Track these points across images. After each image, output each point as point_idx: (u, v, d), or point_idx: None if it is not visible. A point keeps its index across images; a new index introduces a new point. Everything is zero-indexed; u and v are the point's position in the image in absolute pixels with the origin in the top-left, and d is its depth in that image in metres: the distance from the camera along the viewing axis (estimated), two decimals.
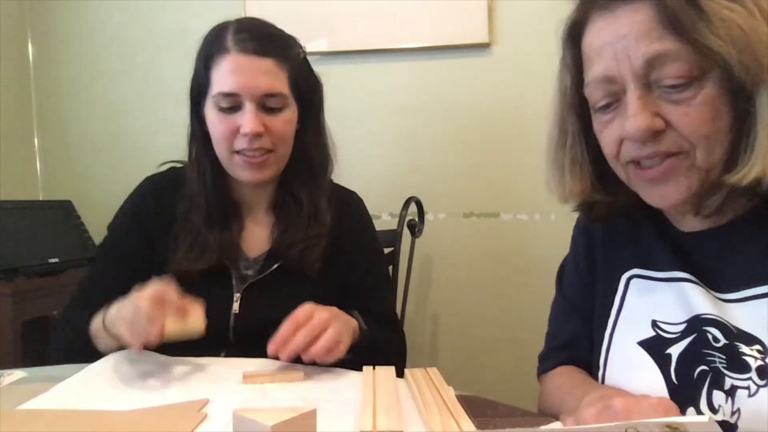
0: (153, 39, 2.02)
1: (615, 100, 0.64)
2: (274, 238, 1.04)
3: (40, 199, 2.17)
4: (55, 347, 1.00)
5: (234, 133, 0.96)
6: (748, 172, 0.59)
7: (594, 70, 0.65)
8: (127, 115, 2.07)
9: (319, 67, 1.09)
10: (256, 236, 1.06)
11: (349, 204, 1.12)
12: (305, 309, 0.81)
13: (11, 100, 2.09)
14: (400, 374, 0.82)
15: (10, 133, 2.07)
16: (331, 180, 1.13)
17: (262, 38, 0.98)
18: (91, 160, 2.12)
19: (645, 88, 0.61)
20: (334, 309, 0.85)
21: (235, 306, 0.99)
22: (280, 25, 1.06)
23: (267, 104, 0.97)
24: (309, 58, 1.09)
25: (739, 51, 0.57)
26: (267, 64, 0.97)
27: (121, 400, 0.74)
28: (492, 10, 1.75)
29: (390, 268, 1.42)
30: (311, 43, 1.85)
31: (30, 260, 1.71)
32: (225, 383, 0.79)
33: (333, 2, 1.85)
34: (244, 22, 1.01)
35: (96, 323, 0.88)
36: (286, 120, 1.00)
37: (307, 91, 1.04)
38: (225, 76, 0.96)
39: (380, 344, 0.94)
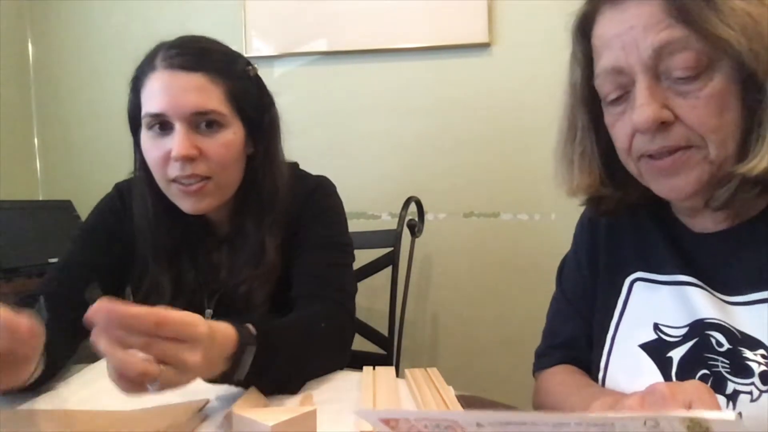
0: (153, 39, 2.01)
1: (625, 93, 0.64)
2: (220, 279, 0.97)
3: (40, 199, 2.17)
4: None
5: (166, 157, 0.88)
6: (758, 163, 0.58)
7: (603, 62, 0.65)
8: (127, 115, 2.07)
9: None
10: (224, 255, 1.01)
11: (312, 194, 1.03)
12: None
13: (11, 100, 2.09)
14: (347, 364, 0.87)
15: (10, 133, 2.07)
16: (294, 171, 1.04)
17: (193, 53, 0.89)
18: (91, 160, 2.12)
19: (654, 79, 0.61)
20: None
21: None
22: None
23: (200, 124, 0.88)
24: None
25: (749, 39, 0.57)
26: (196, 79, 0.87)
27: (121, 400, 0.74)
28: (492, 10, 1.75)
29: (389, 268, 1.42)
30: (311, 43, 1.86)
31: (30, 260, 1.71)
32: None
33: (333, 2, 1.84)
34: (180, 39, 0.93)
35: None
36: (224, 143, 0.90)
37: (253, 111, 0.94)
38: (151, 96, 0.88)
39: (297, 332, 0.82)
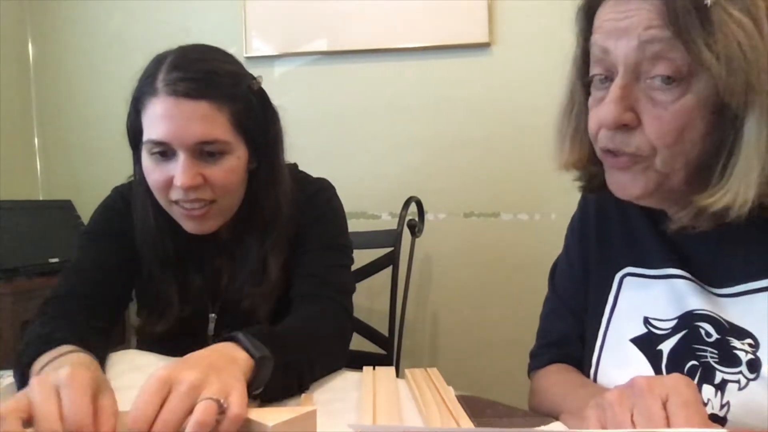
0: (153, 39, 2.02)
1: (608, 78, 0.65)
2: (222, 286, 0.97)
3: (40, 199, 2.17)
4: None
5: (168, 183, 0.86)
6: (721, 197, 0.58)
7: (595, 37, 0.66)
8: (126, 115, 2.07)
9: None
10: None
11: (312, 198, 1.03)
12: (161, 377, 0.57)
13: (11, 100, 2.09)
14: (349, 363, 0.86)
15: (10, 133, 2.07)
16: (294, 173, 1.03)
17: (197, 78, 0.85)
18: (91, 160, 2.12)
19: (632, 76, 0.62)
20: (206, 356, 0.63)
21: (211, 327, 0.97)
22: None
23: (204, 151, 0.86)
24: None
25: (729, 72, 0.56)
26: (201, 108, 0.84)
27: (121, 400, 0.74)
28: (492, 10, 1.75)
29: (389, 268, 1.42)
30: (311, 43, 1.86)
31: (30, 260, 1.71)
32: None
33: (333, 2, 1.84)
34: (181, 56, 0.88)
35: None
36: (228, 169, 0.88)
37: (257, 129, 0.92)
38: (154, 122, 0.84)
39: (302, 340, 0.80)
